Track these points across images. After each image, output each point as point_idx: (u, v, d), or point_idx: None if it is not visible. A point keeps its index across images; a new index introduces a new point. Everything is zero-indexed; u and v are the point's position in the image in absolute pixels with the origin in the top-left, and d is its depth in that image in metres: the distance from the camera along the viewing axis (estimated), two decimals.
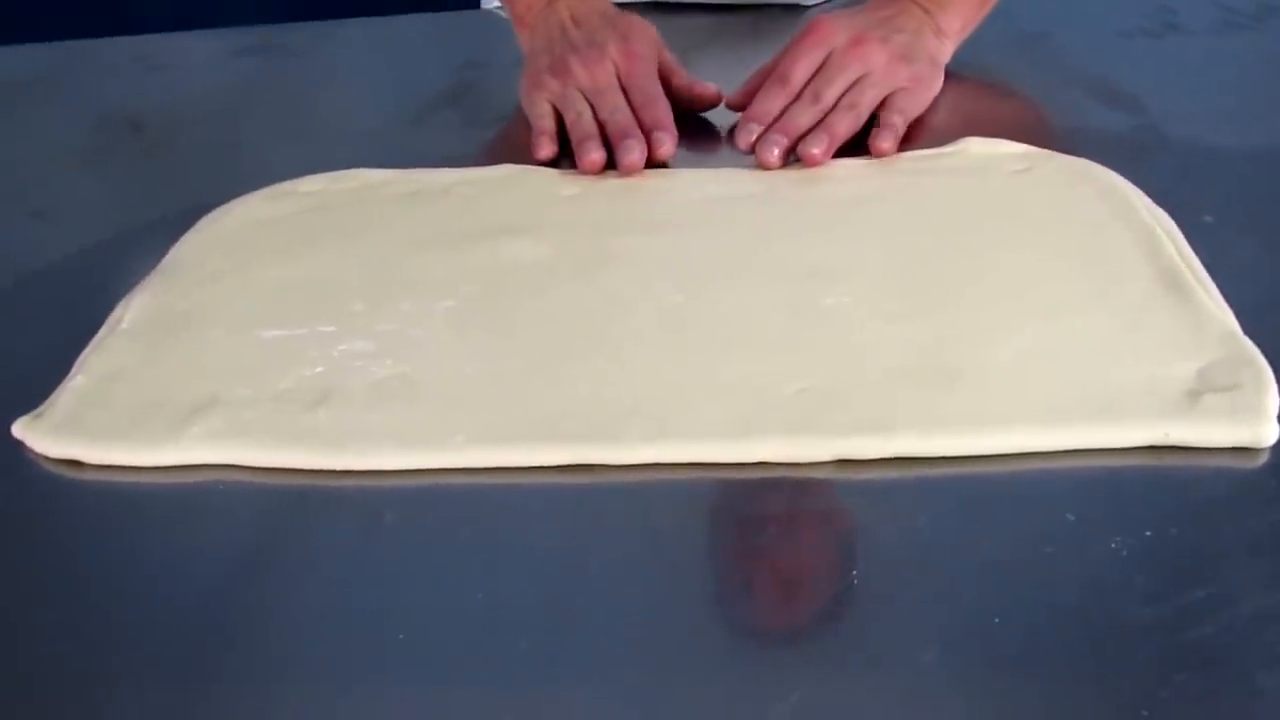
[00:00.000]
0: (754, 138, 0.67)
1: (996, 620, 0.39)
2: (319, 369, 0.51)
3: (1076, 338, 0.49)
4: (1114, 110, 0.71)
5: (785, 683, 0.38)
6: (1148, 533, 0.41)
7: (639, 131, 0.67)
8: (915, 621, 0.39)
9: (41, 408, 0.50)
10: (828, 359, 0.49)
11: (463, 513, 0.45)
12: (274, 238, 0.62)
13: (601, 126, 0.68)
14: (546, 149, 0.69)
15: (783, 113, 0.68)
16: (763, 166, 0.65)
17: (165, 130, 0.78)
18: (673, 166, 0.68)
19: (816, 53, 0.70)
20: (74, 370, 0.52)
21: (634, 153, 0.66)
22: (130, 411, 0.49)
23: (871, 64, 0.69)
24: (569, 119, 0.69)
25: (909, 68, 0.70)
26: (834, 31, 0.70)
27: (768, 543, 0.44)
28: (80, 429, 0.49)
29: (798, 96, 0.68)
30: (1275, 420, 0.45)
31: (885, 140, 0.66)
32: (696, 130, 0.74)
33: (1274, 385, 0.46)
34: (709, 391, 0.48)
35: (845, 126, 0.67)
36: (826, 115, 0.67)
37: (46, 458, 0.49)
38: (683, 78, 0.74)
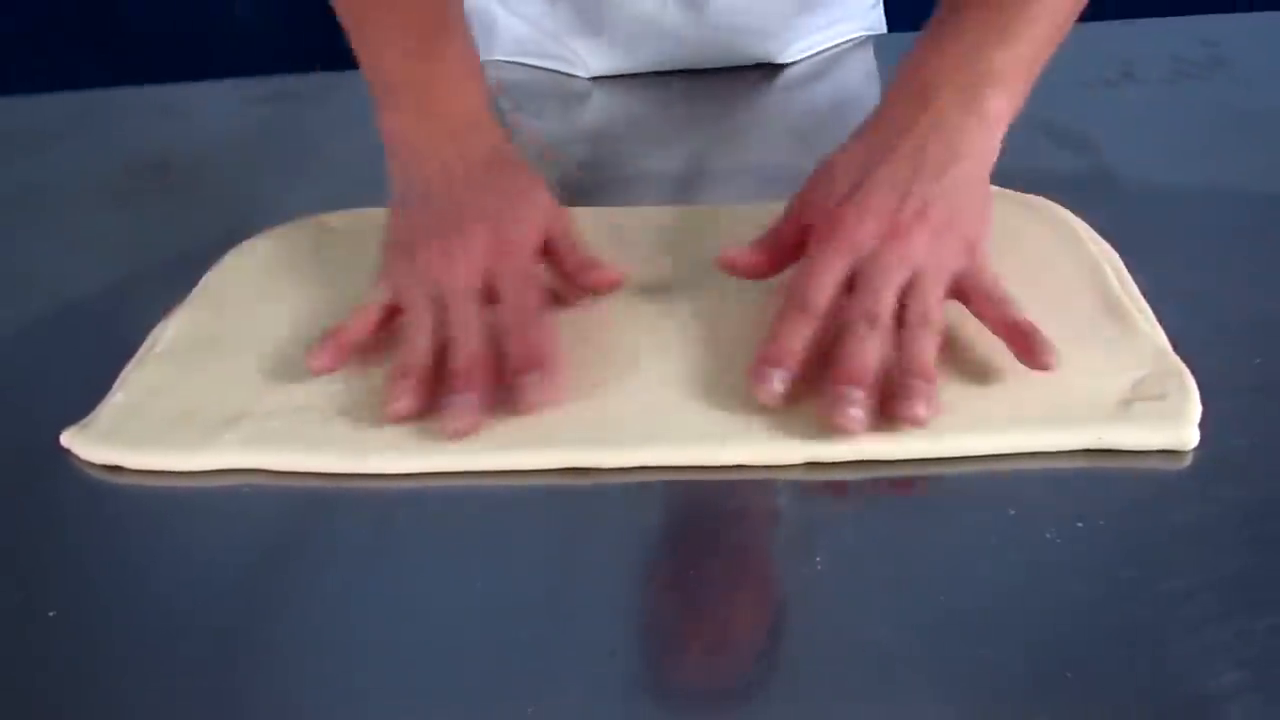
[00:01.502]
0: (780, 387, 0.50)
1: (943, 599, 0.42)
2: (337, 385, 0.55)
3: None
4: (1069, 151, 0.74)
5: (757, 655, 0.42)
6: (1079, 524, 0.45)
7: (479, 382, 0.51)
8: (872, 601, 0.43)
9: (87, 419, 0.53)
10: (801, 373, 0.52)
11: (469, 512, 0.48)
12: (296, 267, 0.65)
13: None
14: (405, 400, 0.52)
15: (830, 352, 0.50)
16: (845, 433, 0.48)
17: (190, 172, 0.79)
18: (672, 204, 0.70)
19: (840, 261, 0.52)
20: (115, 387, 0.55)
21: (458, 419, 0.50)
22: (167, 422, 0.53)
23: (918, 258, 0.52)
24: (404, 335, 0.55)
25: (958, 230, 0.53)
26: (855, 224, 0.52)
27: (744, 535, 0.47)
28: (121, 438, 0.52)
29: (848, 318, 0.51)
30: (1197, 426, 0.49)
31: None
32: (684, 163, 0.77)
33: (1197, 395, 0.50)
34: (693, 403, 0.52)
35: (932, 351, 0.50)
36: (898, 339, 0.51)
37: (91, 464, 0.52)
38: (576, 259, 0.59)
